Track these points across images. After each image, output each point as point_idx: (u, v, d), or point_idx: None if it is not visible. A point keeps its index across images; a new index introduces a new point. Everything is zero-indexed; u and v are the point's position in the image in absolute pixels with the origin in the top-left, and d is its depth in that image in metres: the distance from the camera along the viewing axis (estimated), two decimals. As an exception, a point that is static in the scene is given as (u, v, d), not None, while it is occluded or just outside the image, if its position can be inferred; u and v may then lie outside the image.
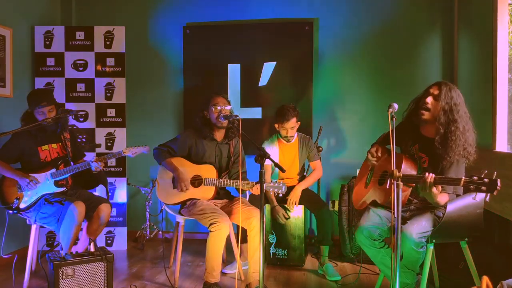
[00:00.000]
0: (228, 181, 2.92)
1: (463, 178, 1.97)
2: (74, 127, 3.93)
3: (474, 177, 1.93)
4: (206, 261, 2.84)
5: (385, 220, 2.51)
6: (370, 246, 2.50)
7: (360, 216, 2.64)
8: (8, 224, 3.47)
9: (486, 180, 1.89)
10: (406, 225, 2.37)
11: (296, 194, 3.41)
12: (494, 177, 1.88)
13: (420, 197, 2.55)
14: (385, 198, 2.48)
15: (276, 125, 3.48)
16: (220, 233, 2.77)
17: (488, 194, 1.91)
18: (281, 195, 2.75)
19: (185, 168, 3.02)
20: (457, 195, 2.37)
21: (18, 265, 3.38)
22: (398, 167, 2.45)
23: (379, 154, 2.63)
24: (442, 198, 2.28)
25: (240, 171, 3.05)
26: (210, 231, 2.79)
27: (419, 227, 2.34)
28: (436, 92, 2.36)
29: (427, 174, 2.13)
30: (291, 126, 3.39)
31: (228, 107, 3.04)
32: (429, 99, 2.37)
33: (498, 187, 1.87)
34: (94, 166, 2.94)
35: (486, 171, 1.93)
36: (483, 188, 1.89)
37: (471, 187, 1.93)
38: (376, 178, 2.74)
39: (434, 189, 2.13)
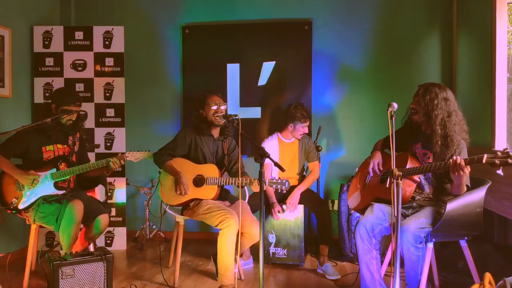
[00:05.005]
0: (230, 179, 2.92)
1: (486, 155, 2.07)
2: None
3: (498, 153, 2.02)
4: (219, 262, 2.79)
5: (388, 216, 2.53)
6: (366, 242, 2.53)
7: (363, 212, 2.66)
8: (7, 223, 3.48)
9: (511, 152, 1.99)
10: (406, 220, 2.43)
11: (294, 197, 3.42)
12: None
13: (424, 194, 2.60)
14: (389, 194, 2.50)
15: (292, 124, 3.49)
16: (230, 229, 2.75)
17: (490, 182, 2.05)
18: (285, 191, 2.74)
19: (187, 169, 3.01)
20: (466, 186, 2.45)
21: (18, 265, 3.38)
22: (404, 165, 2.49)
23: (381, 168, 2.75)
24: (465, 188, 2.41)
25: (240, 169, 3.05)
26: (220, 229, 2.77)
27: (418, 222, 2.40)
28: (416, 98, 2.57)
29: (455, 157, 2.24)
30: (308, 124, 3.53)
31: (223, 106, 3.07)
32: (413, 104, 2.58)
33: None
34: (112, 164, 2.91)
35: (506, 148, 2.04)
36: (510, 161, 1.99)
37: (496, 161, 2.02)
38: (378, 177, 2.76)
39: (466, 170, 2.23)
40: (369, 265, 2.54)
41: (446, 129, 2.43)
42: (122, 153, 2.98)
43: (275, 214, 3.40)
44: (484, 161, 2.06)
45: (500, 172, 2.39)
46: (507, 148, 2.01)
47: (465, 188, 2.39)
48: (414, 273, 2.42)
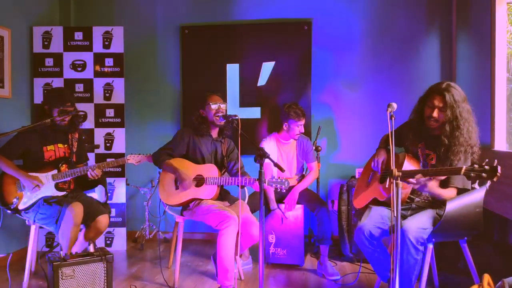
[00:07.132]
0: (230, 178, 2.92)
1: (464, 166, 2.02)
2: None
3: (475, 165, 1.97)
4: (218, 263, 2.78)
5: (386, 219, 2.51)
6: (368, 246, 2.51)
7: (361, 214, 2.64)
8: (7, 224, 3.47)
9: (486, 167, 1.92)
10: (406, 220, 2.40)
11: (293, 197, 3.42)
12: (495, 164, 1.90)
13: (423, 195, 2.57)
14: (385, 195, 2.49)
15: (286, 124, 3.46)
16: (230, 229, 2.74)
17: (489, 182, 1.93)
18: (284, 190, 2.75)
19: (186, 169, 3.01)
20: (465, 190, 2.40)
21: (18, 265, 3.38)
22: (400, 165, 2.46)
23: (383, 166, 2.68)
24: (449, 193, 2.37)
25: (240, 169, 3.05)
26: (220, 229, 2.76)
27: (418, 223, 2.37)
28: (441, 105, 2.39)
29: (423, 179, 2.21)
30: (303, 123, 3.47)
31: (223, 105, 3.08)
32: (436, 113, 2.40)
33: (498, 173, 1.90)
34: (89, 174, 2.96)
35: (487, 160, 1.97)
36: (484, 175, 1.93)
37: (472, 174, 1.97)
38: (378, 176, 2.75)
39: (432, 184, 2.22)
40: (379, 261, 2.53)
41: (461, 138, 2.35)
42: (123, 156, 3.00)
43: (280, 220, 3.40)
44: (462, 172, 2.01)
45: (476, 186, 2.31)
46: (486, 160, 1.92)
47: (445, 195, 2.37)
48: (407, 279, 2.37)
